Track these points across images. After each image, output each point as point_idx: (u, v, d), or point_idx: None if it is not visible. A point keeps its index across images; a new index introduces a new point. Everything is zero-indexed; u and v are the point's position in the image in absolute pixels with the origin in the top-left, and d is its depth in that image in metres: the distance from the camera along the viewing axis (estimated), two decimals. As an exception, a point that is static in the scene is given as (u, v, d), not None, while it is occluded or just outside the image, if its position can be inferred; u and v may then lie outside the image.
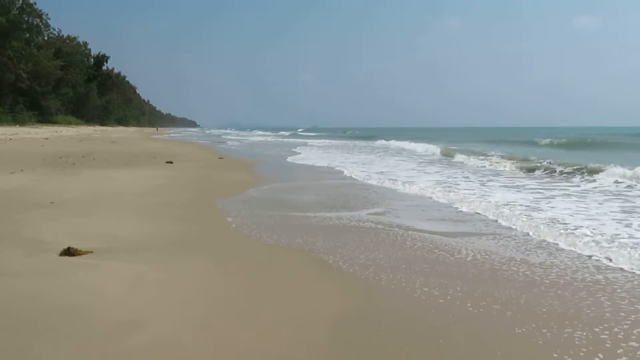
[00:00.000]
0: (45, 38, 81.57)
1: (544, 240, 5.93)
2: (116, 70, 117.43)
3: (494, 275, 4.66)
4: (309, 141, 43.01)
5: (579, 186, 10.95)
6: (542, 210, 7.90)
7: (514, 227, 6.66)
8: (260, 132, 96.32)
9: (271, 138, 57.49)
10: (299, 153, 24.73)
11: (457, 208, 8.17)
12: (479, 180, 12.02)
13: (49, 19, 74.79)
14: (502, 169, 14.93)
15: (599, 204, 8.53)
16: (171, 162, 15.82)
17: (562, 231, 6.26)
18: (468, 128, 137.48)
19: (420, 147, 26.26)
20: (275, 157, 21.88)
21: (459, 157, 18.76)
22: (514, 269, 4.85)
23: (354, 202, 8.79)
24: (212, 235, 6.15)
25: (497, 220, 7.09)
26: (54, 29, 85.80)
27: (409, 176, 13.02)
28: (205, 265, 4.73)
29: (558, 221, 6.94)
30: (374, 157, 21.38)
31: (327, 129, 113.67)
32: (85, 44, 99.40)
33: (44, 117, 69.28)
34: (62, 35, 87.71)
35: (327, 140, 44.41)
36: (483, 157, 17.89)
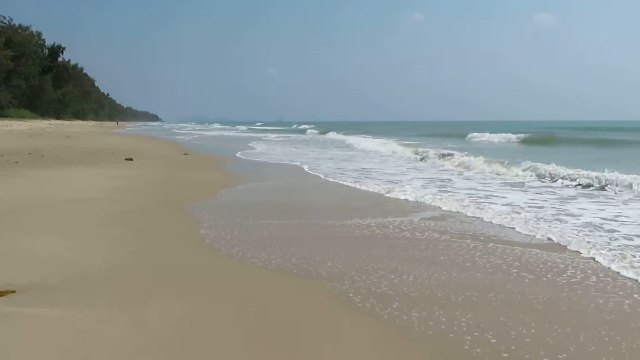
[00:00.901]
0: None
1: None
2: (73, 62, 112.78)
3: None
4: (264, 135, 44.23)
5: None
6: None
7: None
8: (219, 126, 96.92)
9: (227, 132, 55.96)
10: (254, 148, 24.57)
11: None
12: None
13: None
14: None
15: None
16: (131, 160, 14.30)
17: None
18: (434, 122, 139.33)
19: (364, 141, 29.06)
20: (234, 151, 20.52)
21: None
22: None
23: (344, 202, 7.69)
24: (182, 257, 4.88)
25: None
26: (4, 18, 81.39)
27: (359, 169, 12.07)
28: (173, 312, 3.46)
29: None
30: (318, 150, 22.68)
31: (292, 122, 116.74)
32: (39, 34, 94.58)
33: (-5, 110, 65.40)
34: (14, 25, 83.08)
35: (282, 135, 45.95)
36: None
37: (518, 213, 7.11)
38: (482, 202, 8.08)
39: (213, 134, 49.98)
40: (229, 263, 4.71)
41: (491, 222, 6.51)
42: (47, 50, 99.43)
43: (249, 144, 27.76)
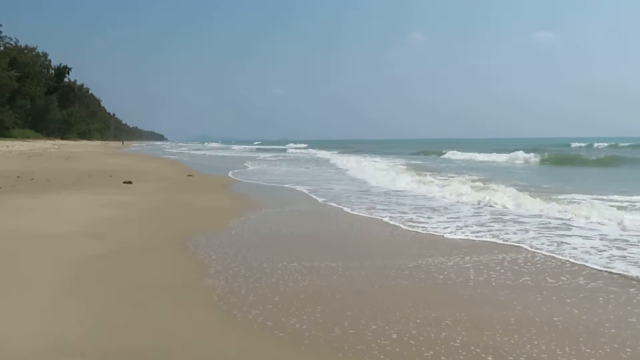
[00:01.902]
0: (1, 48, 76.95)
1: None
2: (80, 83, 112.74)
3: None
4: (261, 155, 43.55)
5: None
6: None
7: None
8: (217, 145, 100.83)
9: (223, 152, 54.75)
10: (247, 167, 24.12)
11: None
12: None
13: (1, 25, 70.63)
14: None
15: None
16: (130, 183, 13.03)
17: None
18: (437, 140, 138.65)
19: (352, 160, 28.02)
20: (243, 173, 19.25)
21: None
22: None
23: (384, 237, 6.35)
24: (180, 329, 3.51)
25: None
26: (11, 39, 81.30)
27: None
28: None
29: None
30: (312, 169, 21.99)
31: (297, 140, 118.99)
32: (45, 54, 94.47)
33: (-1, 131, 64.66)
34: (20, 45, 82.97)
35: (277, 154, 45.83)
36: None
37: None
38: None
39: (203, 153, 49.54)
40: (245, 337, 3.36)
41: None
42: (53, 71, 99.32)
43: (244, 164, 26.70)
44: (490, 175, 16.87)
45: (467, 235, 6.69)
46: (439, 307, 3.92)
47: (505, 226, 7.27)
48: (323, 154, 41.27)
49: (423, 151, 43.30)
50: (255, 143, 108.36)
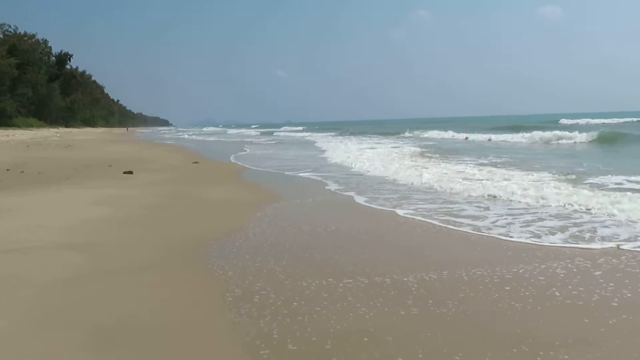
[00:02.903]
0: (0, 36, 75.51)
1: None
2: (82, 70, 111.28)
3: None
4: (255, 140, 40.30)
5: None
6: None
7: None
8: (213, 128, 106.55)
9: (217, 136, 52.97)
10: (248, 151, 23.14)
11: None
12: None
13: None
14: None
15: None
16: (130, 173, 11.79)
17: None
18: (443, 118, 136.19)
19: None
20: (247, 158, 17.98)
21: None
22: None
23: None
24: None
25: None
26: (10, 26, 79.78)
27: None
28: None
29: None
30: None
31: (301, 123, 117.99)
32: (46, 41, 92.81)
33: (1, 119, 63.60)
34: (19, 32, 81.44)
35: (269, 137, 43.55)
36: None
37: None
38: None
39: (202, 138, 47.65)
40: None
41: None
42: (54, 58, 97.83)
43: (244, 147, 25.55)
44: (539, 160, 15.26)
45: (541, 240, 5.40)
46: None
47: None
48: (316, 137, 37.47)
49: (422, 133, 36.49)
50: (253, 126, 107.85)
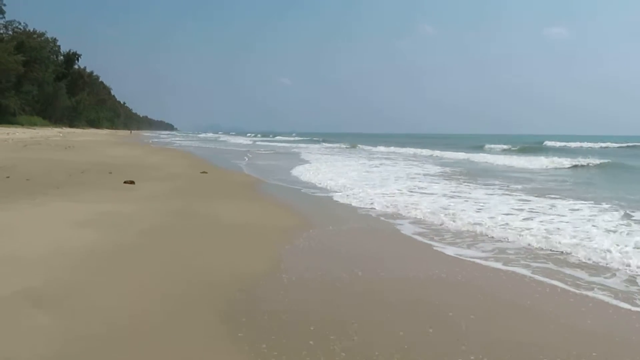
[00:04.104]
0: (8, 32, 74.52)
1: None
2: (89, 70, 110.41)
3: None
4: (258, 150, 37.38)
5: None
6: None
7: None
8: (212, 134, 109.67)
9: (213, 144, 51.65)
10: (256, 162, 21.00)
11: None
12: None
13: (4, 5, 68.56)
14: None
15: None
16: (132, 183, 10.34)
17: None
18: (449, 135, 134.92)
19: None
20: (256, 168, 16.52)
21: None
22: None
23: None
24: None
25: None
26: (20, 23, 78.89)
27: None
28: None
29: None
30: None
31: (305, 133, 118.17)
32: (55, 40, 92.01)
33: (4, 116, 62.35)
34: (28, 30, 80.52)
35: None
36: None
37: None
38: None
39: (197, 145, 46.25)
40: None
41: None
42: (62, 57, 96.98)
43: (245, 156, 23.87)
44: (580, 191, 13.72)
45: None
46: None
47: None
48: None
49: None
50: (248, 135, 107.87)
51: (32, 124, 66.54)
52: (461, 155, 26.24)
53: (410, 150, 32.45)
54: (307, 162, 20.76)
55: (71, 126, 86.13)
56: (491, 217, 7.24)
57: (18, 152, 17.93)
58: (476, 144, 43.39)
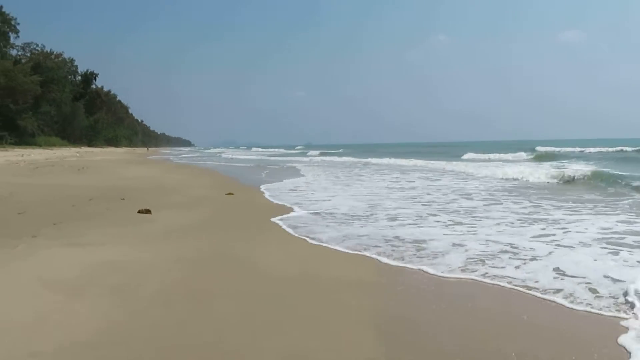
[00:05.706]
0: (26, 54, 74.59)
1: None
2: (107, 89, 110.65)
3: None
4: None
5: None
6: None
7: None
8: (220, 149, 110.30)
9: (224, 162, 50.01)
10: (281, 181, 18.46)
11: None
12: None
13: (18, 24, 68.42)
14: None
15: None
16: (148, 212, 8.59)
17: None
18: (459, 142, 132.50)
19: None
20: (281, 193, 14.69)
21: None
22: None
23: None
24: None
25: None
26: (37, 45, 79.03)
27: None
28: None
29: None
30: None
31: (321, 146, 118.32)
32: (72, 60, 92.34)
33: (22, 138, 61.82)
34: (45, 51, 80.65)
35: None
36: None
37: None
38: None
39: (208, 163, 44.50)
40: None
41: None
42: (80, 77, 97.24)
43: (262, 172, 21.92)
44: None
45: None
46: None
47: None
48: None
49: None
50: (253, 149, 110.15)
51: (51, 145, 65.98)
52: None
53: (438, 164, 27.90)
54: (338, 179, 18.84)
55: (90, 145, 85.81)
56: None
57: (24, 177, 16.38)
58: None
